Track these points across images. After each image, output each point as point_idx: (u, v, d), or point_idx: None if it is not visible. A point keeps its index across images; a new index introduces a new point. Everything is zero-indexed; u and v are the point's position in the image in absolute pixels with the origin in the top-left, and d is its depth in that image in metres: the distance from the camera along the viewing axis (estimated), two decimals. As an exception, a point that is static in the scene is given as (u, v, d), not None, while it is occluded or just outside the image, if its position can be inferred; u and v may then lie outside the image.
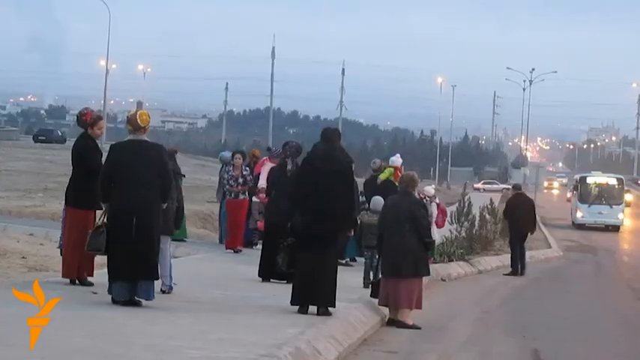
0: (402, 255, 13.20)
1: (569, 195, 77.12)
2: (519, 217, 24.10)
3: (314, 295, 11.94)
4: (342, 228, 12.37)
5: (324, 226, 11.88)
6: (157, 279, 11.60)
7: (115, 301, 11.30)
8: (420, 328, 13.11)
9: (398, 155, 21.09)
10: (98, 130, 12.97)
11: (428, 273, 13.86)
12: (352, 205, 12.39)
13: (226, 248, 20.42)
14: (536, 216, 25.41)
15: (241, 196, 20.30)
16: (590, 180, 56.37)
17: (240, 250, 20.19)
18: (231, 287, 14.37)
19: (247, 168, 20.75)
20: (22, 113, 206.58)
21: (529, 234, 25.04)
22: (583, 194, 54.79)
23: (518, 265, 24.06)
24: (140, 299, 11.35)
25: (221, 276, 15.92)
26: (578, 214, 54.15)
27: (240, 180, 20.22)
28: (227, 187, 20.43)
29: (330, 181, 11.97)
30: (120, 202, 11.27)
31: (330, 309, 11.91)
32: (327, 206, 11.88)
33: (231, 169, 20.56)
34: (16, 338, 8.64)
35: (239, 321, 11.00)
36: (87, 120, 12.89)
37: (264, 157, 19.93)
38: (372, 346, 11.65)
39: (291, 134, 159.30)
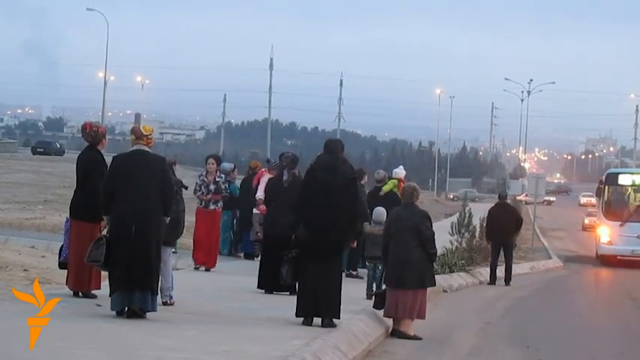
0: (407, 267, 13.20)
1: (587, 221, 54.98)
2: (499, 227, 24.05)
3: (318, 306, 11.93)
4: (345, 239, 12.34)
5: (327, 236, 11.88)
6: (154, 290, 11.43)
7: (118, 313, 11.28)
8: (421, 339, 13.10)
9: (401, 167, 21.14)
10: (106, 141, 13.14)
11: (433, 284, 13.85)
12: (354, 215, 12.39)
13: (195, 263, 18.51)
14: (519, 227, 25.33)
15: (212, 206, 18.57)
16: (624, 179, 34.99)
17: (209, 269, 18.28)
18: (234, 299, 14.35)
19: (222, 175, 19.07)
20: (20, 125, 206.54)
21: (514, 244, 25.05)
22: (613, 204, 34.52)
23: (494, 275, 24.04)
24: (140, 310, 11.31)
25: (223, 288, 15.89)
26: (604, 238, 33.85)
27: (212, 187, 18.47)
28: (198, 193, 18.60)
29: (332, 192, 11.99)
30: (120, 211, 11.30)
31: (334, 320, 11.91)
32: (329, 217, 11.89)
33: (204, 174, 18.81)
34: (19, 351, 8.62)
35: (244, 333, 10.99)
36: (103, 132, 13.11)
37: (263, 169, 19.85)
38: (377, 357, 11.65)
39: (289, 145, 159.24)
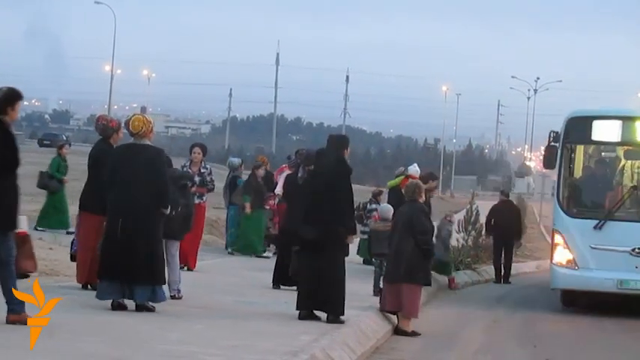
0: (397, 261, 13.29)
1: None
2: (502, 225, 24.04)
3: (316, 301, 11.95)
4: (333, 233, 12.06)
5: (315, 231, 11.98)
6: (143, 283, 11.32)
7: (114, 306, 11.29)
8: (418, 335, 13.04)
9: (415, 165, 21.05)
10: (121, 134, 13.10)
11: (425, 282, 13.52)
12: (340, 210, 12.09)
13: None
14: (522, 226, 25.34)
15: (197, 200, 16.73)
16: (604, 130, 17.07)
17: (191, 270, 16.63)
18: (241, 294, 14.36)
19: (207, 166, 17.75)
20: (26, 117, 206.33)
21: (515, 243, 24.96)
22: (581, 184, 17.80)
23: (500, 273, 24.06)
24: (141, 303, 11.36)
25: (230, 282, 15.89)
26: (561, 256, 16.92)
27: (197, 179, 16.76)
28: None
29: (318, 186, 12.22)
30: (111, 204, 11.43)
31: (342, 317, 11.89)
32: (314, 211, 12.09)
33: (188, 164, 17.28)
34: (23, 342, 8.61)
35: (252, 328, 10.99)
36: (113, 126, 12.99)
37: (284, 165, 19.92)
38: (385, 354, 11.65)
39: (295, 141, 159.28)
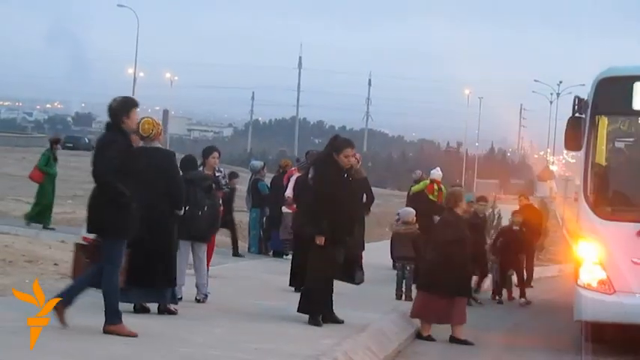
0: (421, 269, 13.74)
1: None
2: (528, 230, 23.99)
3: (301, 302, 12.03)
4: (304, 233, 12.06)
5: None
6: (157, 285, 11.33)
7: (136, 309, 11.32)
8: (434, 340, 13.01)
9: (438, 169, 21.11)
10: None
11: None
12: (312, 205, 11.95)
13: None
14: (543, 229, 25.42)
15: None
16: None
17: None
18: (263, 297, 14.37)
19: (221, 169, 16.99)
20: (49, 120, 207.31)
21: (541, 247, 25.04)
22: (615, 172, 13.18)
23: (522, 277, 24.04)
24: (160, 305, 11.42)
25: (253, 285, 15.91)
26: (590, 274, 12.23)
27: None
28: None
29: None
30: None
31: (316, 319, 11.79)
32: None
33: (201, 169, 16.28)
34: (49, 344, 8.64)
35: (274, 331, 11.00)
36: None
37: (293, 168, 19.87)
38: (407, 358, 11.67)
39: (317, 144, 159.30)
